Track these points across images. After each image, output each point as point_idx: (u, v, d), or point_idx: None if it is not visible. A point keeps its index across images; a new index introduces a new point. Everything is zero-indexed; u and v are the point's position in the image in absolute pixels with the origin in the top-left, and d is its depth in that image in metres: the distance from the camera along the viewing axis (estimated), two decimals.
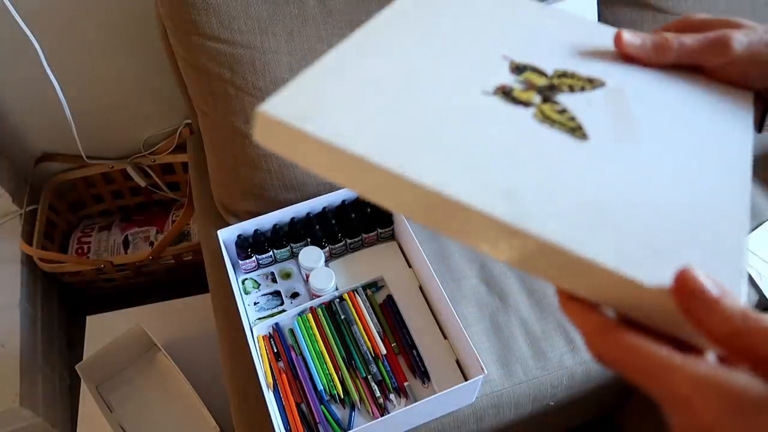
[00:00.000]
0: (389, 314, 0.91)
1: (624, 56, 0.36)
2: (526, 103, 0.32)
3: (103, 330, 1.20)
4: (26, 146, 1.30)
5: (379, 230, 0.98)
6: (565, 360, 0.89)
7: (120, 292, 1.39)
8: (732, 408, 0.22)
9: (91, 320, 1.25)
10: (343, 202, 0.99)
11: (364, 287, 0.93)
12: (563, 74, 0.34)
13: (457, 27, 0.36)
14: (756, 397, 0.22)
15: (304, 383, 0.83)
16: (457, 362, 0.86)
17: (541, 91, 0.33)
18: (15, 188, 1.28)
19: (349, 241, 0.97)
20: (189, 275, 1.36)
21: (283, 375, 0.84)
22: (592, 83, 0.34)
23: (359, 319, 0.88)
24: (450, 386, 0.77)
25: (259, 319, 0.92)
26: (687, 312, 0.24)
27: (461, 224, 0.26)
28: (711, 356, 0.25)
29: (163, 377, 1.14)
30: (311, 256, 0.93)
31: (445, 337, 0.88)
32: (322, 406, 0.82)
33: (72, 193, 1.41)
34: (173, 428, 1.09)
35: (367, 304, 0.91)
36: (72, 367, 1.12)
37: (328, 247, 0.96)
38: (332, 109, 0.29)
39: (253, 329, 0.89)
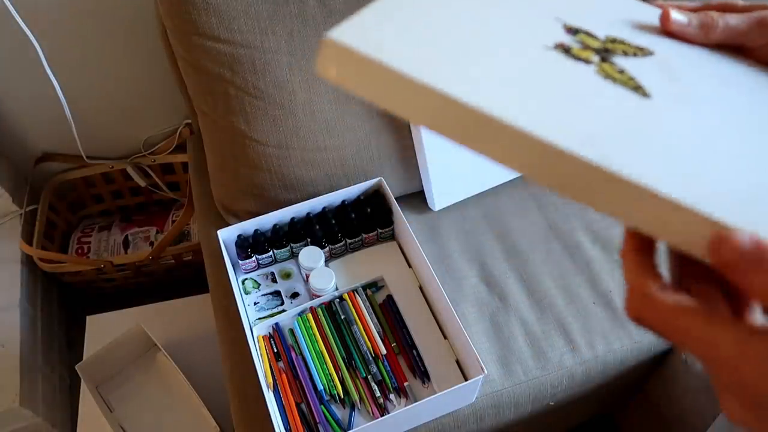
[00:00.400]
0: (389, 314, 0.91)
1: (668, 33, 0.37)
2: (586, 61, 0.32)
3: (103, 330, 1.20)
4: (26, 146, 1.30)
5: (379, 230, 0.98)
6: (565, 360, 0.89)
7: (120, 292, 1.39)
8: (758, 377, 0.23)
9: (91, 320, 1.25)
10: (343, 202, 0.99)
11: (364, 287, 0.93)
12: (614, 40, 0.35)
13: None
14: None
15: (304, 383, 0.83)
16: (457, 362, 0.86)
17: (598, 52, 0.33)
18: (15, 188, 1.28)
19: (349, 241, 0.97)
20: (189, 275, 1.36)
21: (283, 375, 0.84)
22: (642, 51, 0.35)
23: (359, 319, 0.88)
24: (450, 386, 0.77)
25: (259, 319, 0.92)
26: (728, 269, 0.24)
27: (545, 165, 0.26)
28: (758, 314, 0.25)
29: (163, 377, 1.14)
30: (311, 256, 0.93)
31: (445, 337, 0.88)
32: (322, 406, 0.82)
33: (72, 193, 1.41)
34: (173, 428, 1.09)
35: (367, 304, 0.91)
36: (72, 367, 1.12)
37: (328, 247, 0.96)
38: (406, 41, 0.28)
39: (253, 329, 0.89)
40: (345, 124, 0.95)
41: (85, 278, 1.30)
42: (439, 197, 1.03)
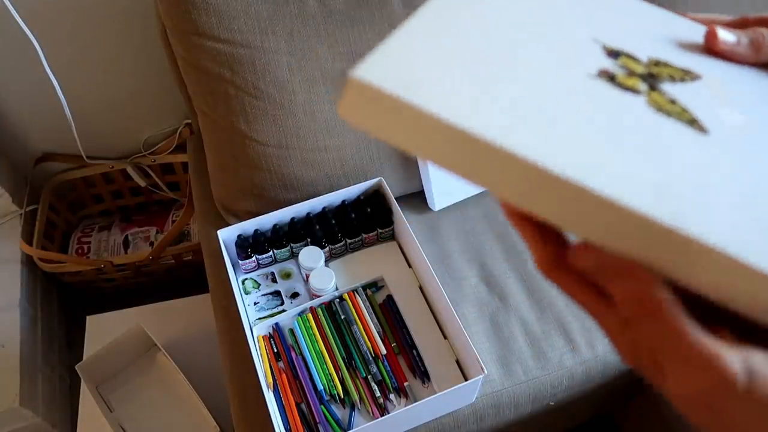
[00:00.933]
0: (389, 314, 0.91)
1: (713, 52, 0.34)
2: (633, 90, 0.29)
3: (103, 330, 1.20)
4: (26, 146, 1.30)
5: (379, 230, 0.98)
6: (565, 360, 0.89)
7: (120, 292, 1.39)
8: (630, 360, 0.27)
9: (91, 320, 1.25)
10: (343, 202, 0.99)
11: (364, 287, 0.93)
12: (658, 63, 0.32)
13: (539, 6, 0.33)
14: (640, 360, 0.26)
15: (304, 383, 0.83)
16: (457, 362, 0.86)
17: (644, 79, 0.30)
18: (15, 188, 1.28)
19: (349, 241, 0.97)
20: (189, 275, 1.36)
21: (283, 375, 0.84)
22: (690, 75, 0.32)
23: (359, 319, 0.88)
24: (450, 386, 0.77)
25: (259, 319, 0.92)
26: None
27: (601, 222, 0.23)
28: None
29: (163, 377, 1.14)
30: (311, 256, 0.93)
31: (445, 337, 0.88)
32: (322, 406, 0.82)
33: (72, 193, 1.41)
34: (173, 428, 1.09)
35: (367, 304, 0.91)
36: (72, 367, 1.12)
37: (328, 247, 0.96)
38: (442, 80, 0.25)
39: (253, 329, 0.89)
40: (345, 124, 0.95)
41: (85, 278, 1.30)
42: (439, 197, 1.03)
